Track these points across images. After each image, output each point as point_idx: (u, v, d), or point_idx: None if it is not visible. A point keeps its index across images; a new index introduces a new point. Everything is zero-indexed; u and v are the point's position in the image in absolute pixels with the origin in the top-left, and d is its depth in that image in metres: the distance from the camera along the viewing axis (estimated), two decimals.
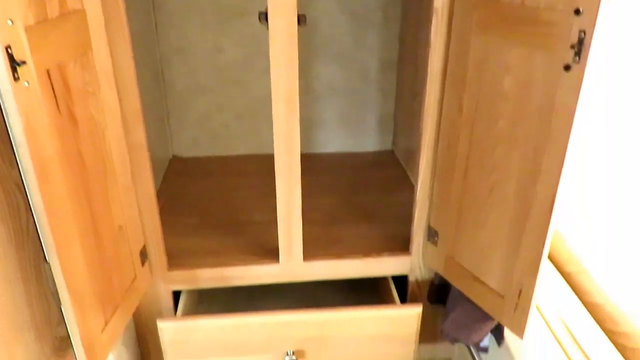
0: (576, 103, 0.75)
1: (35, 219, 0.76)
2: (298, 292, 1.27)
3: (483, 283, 1.01)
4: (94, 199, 0.88)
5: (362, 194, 1.42)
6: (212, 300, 1.28)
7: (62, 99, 0.78)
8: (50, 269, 0.88)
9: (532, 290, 0.91)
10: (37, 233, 0.86)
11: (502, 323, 0.99)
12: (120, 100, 0.92)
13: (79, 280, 0.85)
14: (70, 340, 0.96)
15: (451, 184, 1.02)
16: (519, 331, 0.95)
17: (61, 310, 0.93)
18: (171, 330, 1.05)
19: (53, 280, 0.89)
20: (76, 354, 0.85)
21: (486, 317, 1.03)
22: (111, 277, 0.94)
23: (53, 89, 0.76)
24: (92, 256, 0.88)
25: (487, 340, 1.11)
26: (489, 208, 0.96)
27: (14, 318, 0.87)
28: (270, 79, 0.94)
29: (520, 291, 0.93)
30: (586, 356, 0.95)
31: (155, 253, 1.08)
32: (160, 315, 1.16)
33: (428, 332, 1.26)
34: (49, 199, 0.75)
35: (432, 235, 1.12)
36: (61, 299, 0.80)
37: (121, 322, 0.98)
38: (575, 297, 1.08)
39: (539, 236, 0.87)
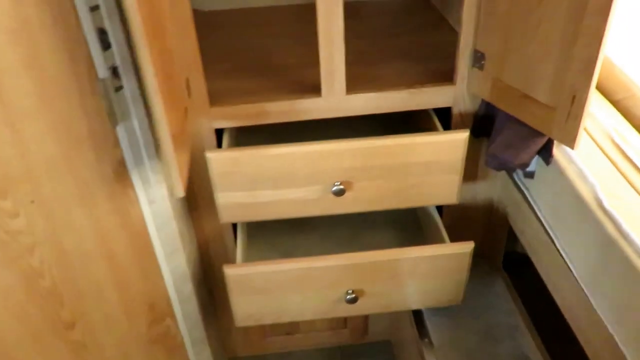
0: None
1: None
2: (339, 132, 1.27)
3: (533, 99, 0.99)
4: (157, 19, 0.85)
5: (398, 36, 1.38)
6: (253, 143, 1.29)
7: None
8: (104, 85, 0.88)
9: (587, 94, 0.89)
10: (88, 46, 0.85)
11: (553, 136, 0.98)
12: None
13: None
14: (126, 165, 0.98)
15: None
16: (571, 141, 0.95)
17: (116, 132, 0.94)
18: (219, 161, 1.06)
19: (108, 98, 0.89)
20: (173, 181, 0.84)
21: (535, 134, 1.02)
22: (178, 107, 0.93)
23: None
24: (165, 81, 0.85)
25: (534, 165, 1.11)
26: (541, 15, 0.92)
27: (73, 131, 0.88)
28: None
29: (574, 97, 0.91)
30: (638, 170, 0.94)
31: (196, 87, 1.07)
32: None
33: (470, 169, 1.26)
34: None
35: (477, 59, 1.09)
36: (157, 128, 0.78)
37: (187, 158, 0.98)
38: (625, 121, 1.07)
39: (597, 31, 0.83)
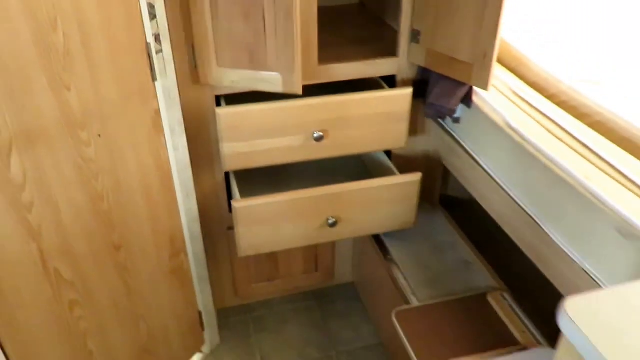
0: None
1: None
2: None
3: (457, 60, 1.38)
4: None
5: (347, 29, 1.75)
6: None
7: None
8: (149, 48, 1.16)
9: (493, 51, 1.29)
10: (142, 17, 1.13)
11: (472, 84, 1.38)
12: None
13: None
14: (160, 114, 1.25)
15: None
16: (484, 85, 1.34)
17: (155, 86, 1.22)
18: (227, 116, 1.36)
19: (151, 58, 1.18)
20: None
21: (460, 85, 1.41)
22: None
23: None
24: None
25: (459, 112, 1.49)
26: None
27: (128, 83, 1.15)
28: None
29: (485, 54, 1.31)
30: (534, 108, 1.35)
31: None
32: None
33: (411, 126, 1.63)
34: None
35: (414, 36, 1.47)
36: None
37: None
38: (519, 79, 1.49)
39: (497, 10, 1.24)
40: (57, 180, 1.07)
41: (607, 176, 1.09)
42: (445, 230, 1.68)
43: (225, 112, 1.36)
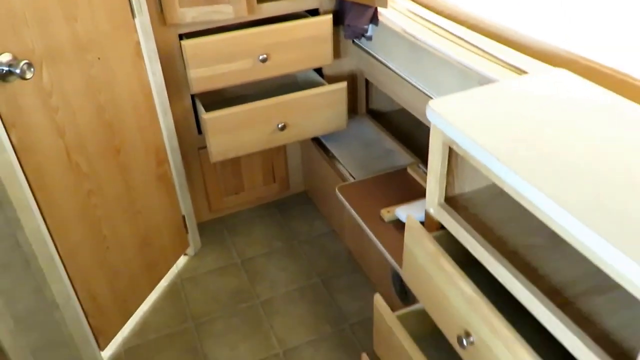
0: None
1: None
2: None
3: None
4: None
5: None
6: None
7: None
8: None
9: None
10: None
11: (375, 4, 1.80)
12: None
13: None
14: (141, 46, 1.61)
15: None
16: (384, 4, 1.77)
17: (134, 23, 1.57)
18: (191, 47, 1.73)
19: None
20: None
21: (367, 8, 1.83)
22: None
23: None
24: None
25: (371, 31, 1.92)
26: None
27: (115, 18, 1.50)
28: None
29: None
30: (424, 19, 1.78)
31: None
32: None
33: (335, 50, 2.04)
34: None
35: None
36: None
37: None
38: (414, 3, 1.92)
39: None
40: (73, 91, 1.42)
41: (473, 53, 1.54)
42: (372, 131, 2.12)
43: (189, 43, 1.73)
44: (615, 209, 0.78)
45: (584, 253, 0.78)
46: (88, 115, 1.48)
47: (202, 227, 2.21)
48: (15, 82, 1.26)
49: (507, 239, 1.05)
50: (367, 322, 1.78)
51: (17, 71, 1.22)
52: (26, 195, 1.33)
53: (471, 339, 1.01)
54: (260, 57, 1.83)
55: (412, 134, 2.09)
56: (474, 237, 1.03)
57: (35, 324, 1.47)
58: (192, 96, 1.97)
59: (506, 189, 0.92)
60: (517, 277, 0.94)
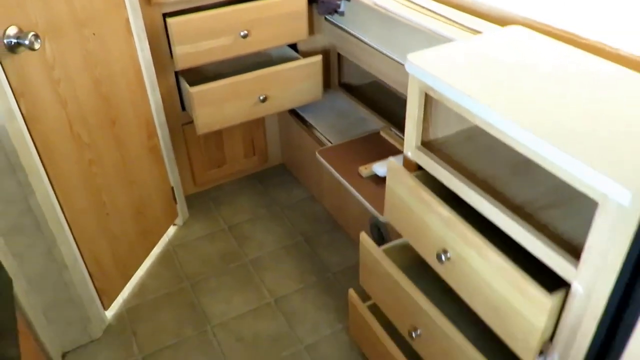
0: None
1: None
2: None
3: None
4: None
5: None
6: None
7: None
8: None
9: None
10: None
11: None
12: None
13: None
14: (130, 24, 1.72)
15: None
16: None
17: (125, 2, 1.68)
18: (177, 24, 1.84)
19: None
20: None
21: None
22: None
23: None
24: None
25: (343, 7, 2.07)
26: None
27: None
28: None
29: None
30: None
31: None
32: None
33: (310, 26, 2.19)
34: None
35: None
36: None
37: None
38: None
39: None
40: (73, 65, 1.52)
41: (441, 22, 1.70)
42: (345, 102, 2.28)
43: (174, 21, 1.85)
44: (568, 127, 0.96)
45: (547, 168, 0.96)
46: (86, 88, 1.59)
47: (188, 200, 2.33)
48: (23, 54, 1.36)
49: (476, 172, 1.22)
50: (348, 270, 1.95)
51: (26, 42, 1.32)
52: (36, 162, 1.43)
53: (448, 254, 1.18)
54: (241, 34, 1.96)
55: (382, 103, 2.26)
56: (448, 171, 1.20)
57: (46, 284, 1.58)
58: (176, 74, 2.08)
59: (477, 122, 1.08)
60: (487, 199, 1.11)
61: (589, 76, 1.12)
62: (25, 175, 1.40)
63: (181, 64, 1.93)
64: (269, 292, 1.89)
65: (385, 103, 2.26)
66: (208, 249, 2.09)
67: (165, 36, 1.95)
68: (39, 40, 1.34)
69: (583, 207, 1.11)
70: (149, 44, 1.88)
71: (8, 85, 1.33)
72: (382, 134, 2.03)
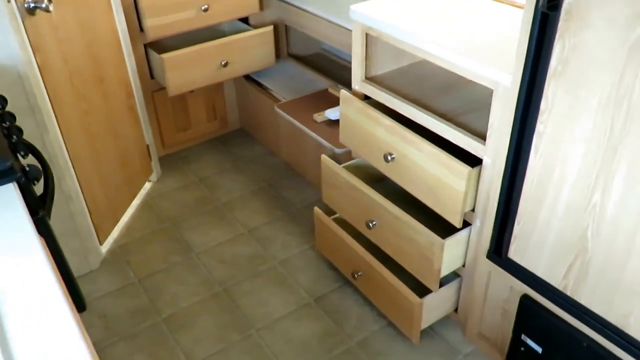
0: None
1: None
2: None
3: None
4: None
5: None
6: None
7: None
8: None
9: None
10: None
11: None
12: None
13: None
14: None
15: None
16: None
17: None
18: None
19: None
20: None
21: None
22: None
23: None
24: None
25: None
26: None
27: None
28: None
29: None
30: None
31: None
32: None
33: (260, 3, 2.53)
34: None
35: None
36: None
37: None
38: None
39: None
40: (71, 27, 1.79)
41: None
42: (294, 68, 2.64)
43: None
44: (468, 40, 1.37)
45: (456, 72, 1.36)
46: (81, 48, 1.86)
47: (159, 161, 2.61)
48: (37, 16, 1.62)
49: (409, 95, 1.62)
50: (311, 205, 2.31)
51: (43, 5, 1.59)
52: (48, 107, 1.70)
53: (393, 155, 1.57)
54: (203, 7, 2.27)
55: (327, 69, 2.63)
56: (389, 94, 1.59)
57: (55, 214, 1.83)
58: (145, 46, 2.36)
59: (405, 48, 1.47)
60: (420, 110, 1.51)
61: (484, 8, 1.55)
62: (42, 116, 1.66)
63: (152, 34, 2.22)
64: (242, 225, 2.22)
65: (330, 68, 2.63)
66: (184, 197, 2.38)
67: (135, 11, 2.22)
68: (52, 3, 1.61)
69: (487, 112, 1.53)
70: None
71: (28, 41, 1.60)
72: (330, 90, 2.40)
